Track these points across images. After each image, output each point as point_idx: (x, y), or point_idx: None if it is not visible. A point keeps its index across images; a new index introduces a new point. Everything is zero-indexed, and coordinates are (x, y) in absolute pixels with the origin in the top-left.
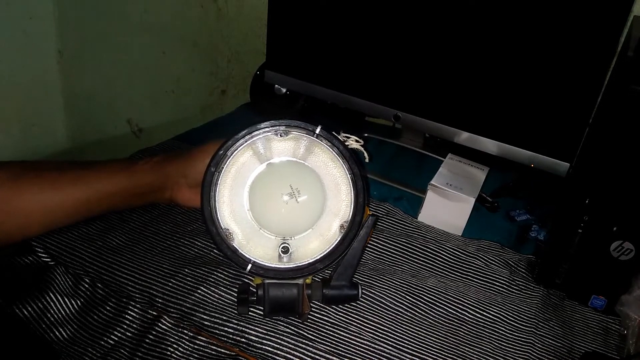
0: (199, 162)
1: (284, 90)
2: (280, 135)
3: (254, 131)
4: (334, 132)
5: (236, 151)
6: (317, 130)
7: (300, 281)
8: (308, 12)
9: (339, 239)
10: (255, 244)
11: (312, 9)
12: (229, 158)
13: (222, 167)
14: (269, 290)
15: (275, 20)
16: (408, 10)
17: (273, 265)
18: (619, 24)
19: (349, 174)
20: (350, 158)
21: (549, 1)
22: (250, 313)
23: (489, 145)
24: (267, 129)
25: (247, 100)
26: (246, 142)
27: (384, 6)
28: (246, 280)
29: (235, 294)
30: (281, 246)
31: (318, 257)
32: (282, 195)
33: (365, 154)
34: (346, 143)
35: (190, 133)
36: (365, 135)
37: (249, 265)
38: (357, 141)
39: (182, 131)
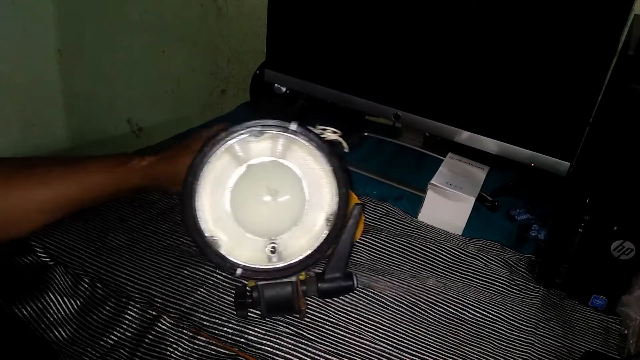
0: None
1: (283, 89)
2: (256, 136)
3: (228, 135)
4: (309, 127)
5: (213, 157)
6: (292, 127)
7: (293, 279)
8: (308, 11)
9: (326, 232)
10: (242, 247)
11: (312, 8)
12: (205, 165)
13: (200, 175)
14: (263, 292)
15: (275, 19)
16: (408, 9)
17: (263, 267)
18: (620, 22)
19: (329, 167)
20: (329, 150)
21: (549, 0)
22: (249, 314)
23: (489, 145)
24: (241, 132)
25: (247, 100)
26: (222, 146)
27: (384, 5)
28: (244, 283)
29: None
30: (269, 246)
31: (308, 253)
32: (261, 196)
33: (345, 145)
34: (323, 136)
35: (190, 132)
36: (365, 134)
37: (239, 270)
38: (334, 132)
39: (182, 130)
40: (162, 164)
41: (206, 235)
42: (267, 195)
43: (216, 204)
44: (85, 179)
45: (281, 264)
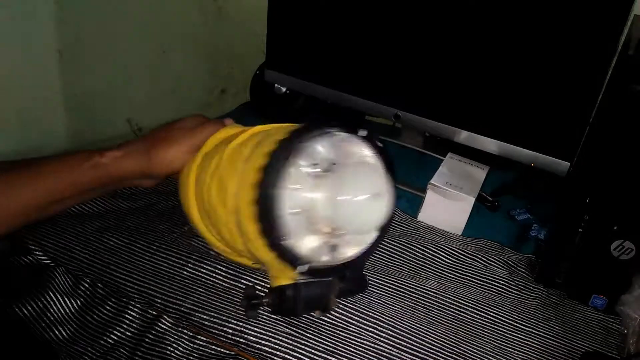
0: (162, 160)
1: (283, 89)
2: (333, 137)
3: (309, 138)
4: (373, 136)
5: (292, 157)
6: (360, 133)
7: (330, 277)
8: (308, 11)
9: (375, 235)
10: (304, 242)
11: (312, 8)
12: (286, 167)
13: (282, 178)
14: (301, 290)
15: (275, 19)
16: (408, 9)
17: (323, 265)
18: (620, 23)
19: (385, 175)
20: (386, 159)
21: (549, 0)
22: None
23: (489, 145)
24: (320, 135)
25: (247, 100)
26: (303, 150)
27: (384, 5)
28: (247, 283)
29: (234, 294)
30: (329, 244)
31: (359, 254)
32: (364, 195)
33: None
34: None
35: None
36: None
37: (305, 266)
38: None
39: None
40: (129, 159)
41: (281, 229)
42: (369, 195)
43: (287, 201)
44: (46, 182)
45: (336, 262)
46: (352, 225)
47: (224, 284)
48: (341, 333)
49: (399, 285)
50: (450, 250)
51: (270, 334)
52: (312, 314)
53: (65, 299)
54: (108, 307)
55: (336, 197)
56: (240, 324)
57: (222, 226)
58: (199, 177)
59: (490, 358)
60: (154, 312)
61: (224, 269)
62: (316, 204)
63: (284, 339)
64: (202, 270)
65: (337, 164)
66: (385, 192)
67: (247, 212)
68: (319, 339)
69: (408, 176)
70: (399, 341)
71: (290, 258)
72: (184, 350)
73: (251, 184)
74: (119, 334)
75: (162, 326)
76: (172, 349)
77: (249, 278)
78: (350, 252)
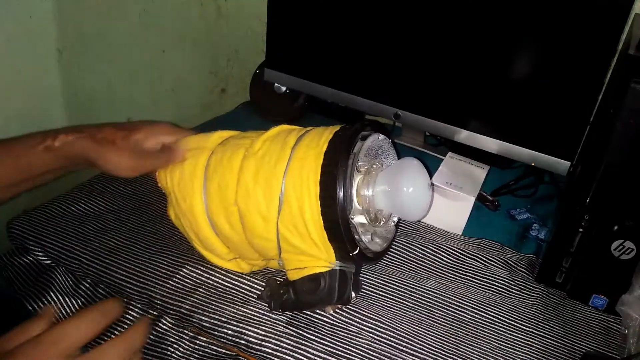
0: (108, 162)
1: (283, 88)
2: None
3: (363, 137)
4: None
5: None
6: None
7: (353, 268)
8: (308, 10)
9: (395, 229)
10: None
11: (311, 7)
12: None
13: (352, 175)
14: (336, 277)
15: (275, 18)
16: (408, 8)
17: (370, 252)
18: (620, 22)
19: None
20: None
21: (550, 0)
22: (248, 313)
23: (490, 144)
24: (367, 133)
25: (247, 99)
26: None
27: (384, 5)
28: (271, 277)
29: (234, 295)
30: (370, 233)
31: (388, 244)
32: (426, 186)
33: None
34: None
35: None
36: None
37: (357, 250)
38: None
39: None
40: (80, 144)
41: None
42: (428, 185)
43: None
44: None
45: (379, 249)
46: (411, 213)
47: (224, 284)
48: (341, 333)
49: (399, 285)
50: (450, 250)
51: (271, 334)
52: (322, 310)
53: (66, 298)
54: None
55: (402, 188)
56: (241, 324)
57: (251, 212)
58: (215, 167)
59: (490, 358)
60: (154, 313)
61: (224, 269)
62: (376, 195)
63: (284, 340)
64: (202, 271)
65: (382, 160)
66: (431, 183)
67: (312, 191)
68: (319, 340)
69: None
70: (399, 342)
71: (349, 239)
72: (185, 351)
73: (316, 167)
74: (119, 334)
75: (163, 327)
76: (172, 350)
77: (249, 278)
78: (377, 246)
